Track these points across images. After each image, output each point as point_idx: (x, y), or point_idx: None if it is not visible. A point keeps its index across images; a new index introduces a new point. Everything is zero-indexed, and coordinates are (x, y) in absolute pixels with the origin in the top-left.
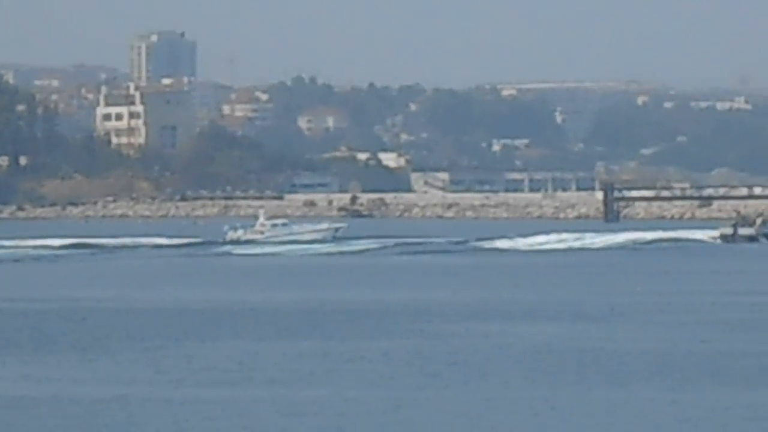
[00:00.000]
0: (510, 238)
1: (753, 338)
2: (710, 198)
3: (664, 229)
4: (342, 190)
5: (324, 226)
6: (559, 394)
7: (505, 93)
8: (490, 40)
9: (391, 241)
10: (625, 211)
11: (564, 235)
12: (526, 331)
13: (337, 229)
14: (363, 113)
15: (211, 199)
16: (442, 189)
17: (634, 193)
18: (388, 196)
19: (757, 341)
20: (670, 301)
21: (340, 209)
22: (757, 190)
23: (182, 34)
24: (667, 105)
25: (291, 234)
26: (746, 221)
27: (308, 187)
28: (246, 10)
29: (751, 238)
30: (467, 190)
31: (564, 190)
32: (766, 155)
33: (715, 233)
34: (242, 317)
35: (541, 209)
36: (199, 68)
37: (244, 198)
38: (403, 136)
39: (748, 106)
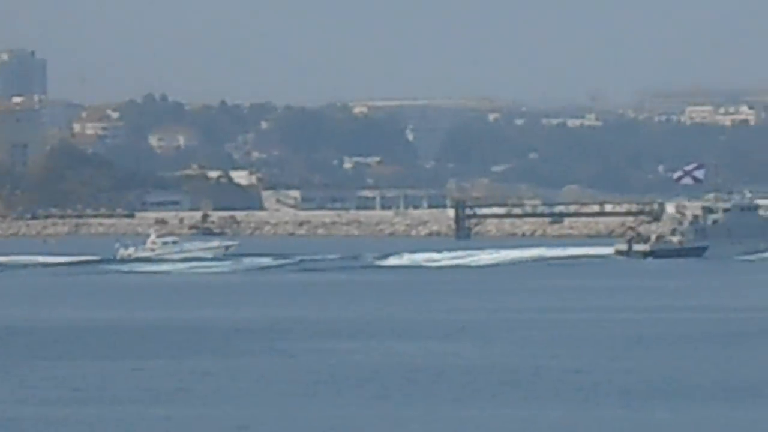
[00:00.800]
0: (402, 254)
1: (607, 354)
2: (561, 215)
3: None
4: (193, 208)
5: (215, 243)
6: (406, 410)
7: (356, 110)
8: (341, 57)
9: (286, 259)
10: (476, 229)
11: (460, 252)
12: (379, 348)
13: (227, 247)
14: (214, 131)
15: (62, 217)
16: (294, 207)
17: (486, 210)
18: (240, 214)
19: (610, 357)
20: (533, 318)
21: (192, 227)
22: (608, 207)
23: (32, 53)
24: (519, 122)
25: (182, 252)
26: (641, 238)
27: (160, 205)
28: (96, 29)
29: (646, 254)
30: (319, 208)
31: (416, 207)
32: (617, 172)
33: (611, 250)
34: (102, 335)
35: (392, 227)
36: (50, 86)
37: (95, 216)
38: (255, 154)
39: (599, 123)
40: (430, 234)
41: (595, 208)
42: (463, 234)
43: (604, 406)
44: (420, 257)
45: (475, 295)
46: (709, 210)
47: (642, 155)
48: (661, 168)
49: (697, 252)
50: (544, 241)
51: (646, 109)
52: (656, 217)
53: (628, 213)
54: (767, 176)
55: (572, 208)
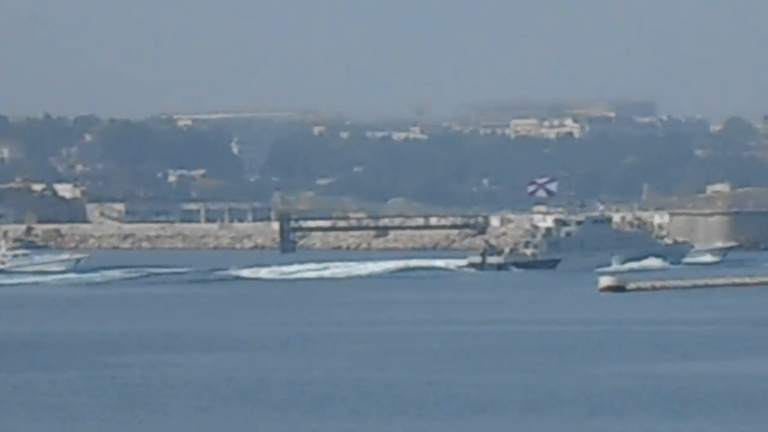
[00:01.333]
0: (261, 266)
1: (426, 367)
2: (386, 228)
3: (393, 258)
4: (17, 221)
5: (65, 256)
6: (223, 423)
7: (180, 123)
8: (165, 70)
9: (143, 271)
10: (301, 242)
11: (325, 264)
12: (201, 361)
13: (78, 260)
14: (38, 144)
15: None
16: (118, 220)
17: (311, 223)
18: (64, 227)
19: (434, 370)
20: (363, 331)
21: (16, 240)
22: (433, 221)
23: None
24: (343, 135)
25: (32, 264)
26: (494, 250)
27: None
28: None
29: (500, 267)
30: (143, 221)
31: (240, 220)
32: (442, 185)
33: (464, 262)
34: None
35: (217, 240)
36: None
37: None
38: (79, 167)
39: (424, 137)
40: (254, 247)
41: (420, 221)
42: (287, 247)
43: (424, 418)
44: (286, 269)
45: (312, 308)
46: (562, 223)
47: (467, 168)
48: (485, 181)
49: (550, 264)
50: (393, 254)
51: (471, 122)
52: (481, 230)
53: (453, 226)
54: (591, 188)
55: (397, 221)
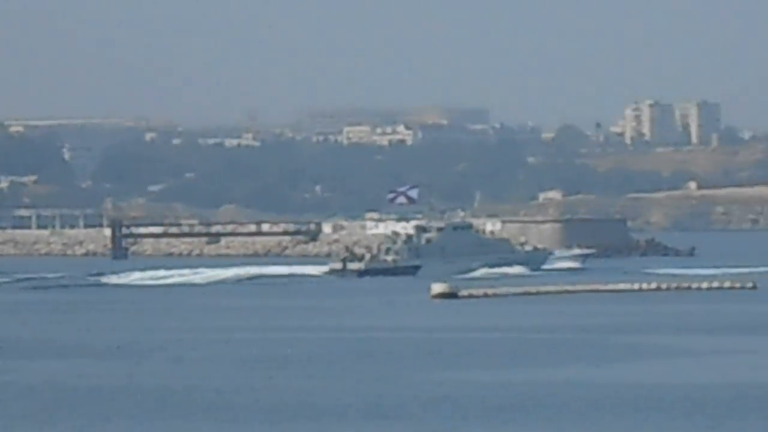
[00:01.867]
0: (127, 273)
1: (259, 374)
2: (218, 234)
3: (242, 264)
4: None
5: None
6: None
7: (12, 129)
8: None
9: (5, 277)
10: (133, 248)
11: (185, 271)
12: (28, 367)
13: None
14: None
15: None
16: None
17: (142, 230)
18: None
19: (267, 377)
20: (196, 338)
21: None
22: (266, 227)
23: None
24: (176, 142)
25: None
26: (355, 256)
27: None
28: None
29: (361, 273)
30: None
31: (72, 227)
32: (274, 191)
33: (325, 268)
34: None
35: (49, 246)
36: None
37: None
38: None
39: (256, 143)
40: (86, 254)
41: (252, 228)
42: (119, 254)
43: (249, 424)
44: (156, 274)
45: (157, 314)
46: (422, 229)
47: (299, 175)
48: (318, 188)
49: (411, 271)
50: (254, 260)
51: (303, 128)
52: (313, 236)
53: (285, 233)
54: (423, 195)
55: (229, 228)
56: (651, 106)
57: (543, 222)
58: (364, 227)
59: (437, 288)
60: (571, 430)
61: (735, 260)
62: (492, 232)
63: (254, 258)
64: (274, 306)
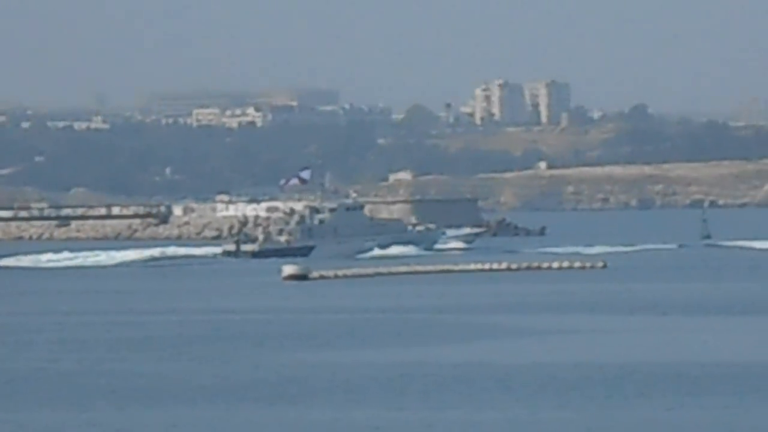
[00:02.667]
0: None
1: (105, 357)
2: (68, 218)
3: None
4: None
5: None
6: None
7: None
8: None
9: None
10: None
11: (85, 253)
12: None
13: None
14: None
15: None
16: None
17: None
18: None
19: (116, 359)
20: (63, 321)
21: None
22: (116, 210)
23: None
24: (25, 125)
25: None
26: (249, 237)
27: None
28: None
29: (255, 254)
30: None
31: None
32: (124, 175)
33: (219, 250)
34: None
35: None
36: None
37: None
38: None
39: (106, 126)
40: None
41: (102, 211)
42: None
43: (89, 407)
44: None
45: (31, 296)
46: (315, 210)
47: (149, 158)
48: (168, 170)
49: (304, 251)
50: (155, 242)
51: (153, 111)
52: (163, 219)
53: (135, 215)
54: (273, 176)
55: (79, 211)
56: (500, 86)
57: (393, 202)
58: (214, 209)
59: (288, 270)
60: (418, 409)
61: (585, 240)
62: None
63: (105, 241)
64: (138, 289)
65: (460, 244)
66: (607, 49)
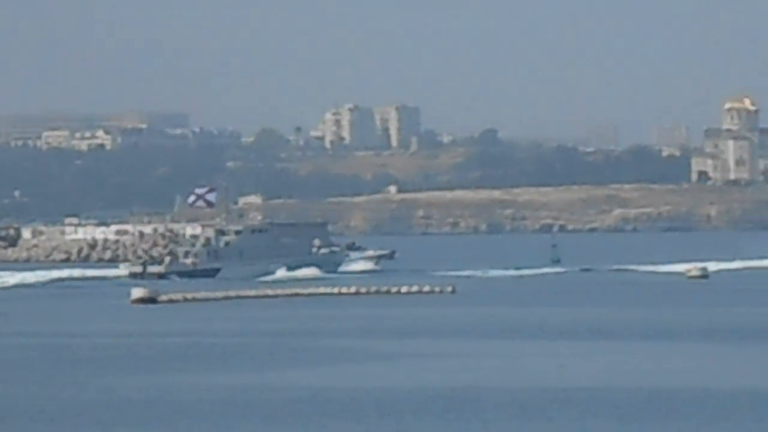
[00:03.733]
0: None
1: None
2: None
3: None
4: None
5: None
6: None
7: None
8: None
9: None
10: None
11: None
12: None
13: None
14: None
15: None
16: None
17: None
18: None
19: None
20: None
21: None
22: None
23: None
24: None
25: None
26: (155, 259)
27: None
28: None
29: (161, 276)
30: None
31: None
32: None
33: (125, 271)
34: None
35: None
36: None
37: None
38: None
39: None
40: None
41: None
42: None
43: None
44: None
45: None
46: (221, 232)
47: None
48: (17, 193)
49: (211, 273)
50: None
51: (2, 133)
52: (12, 242)
53: None
54: (123, 200)
55: None
56: (350, 110)
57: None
58: (63, 232)
59: (136, 293)
60: None
61: (435, 264)
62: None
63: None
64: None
65: (365, 266)
66: (457, 73)
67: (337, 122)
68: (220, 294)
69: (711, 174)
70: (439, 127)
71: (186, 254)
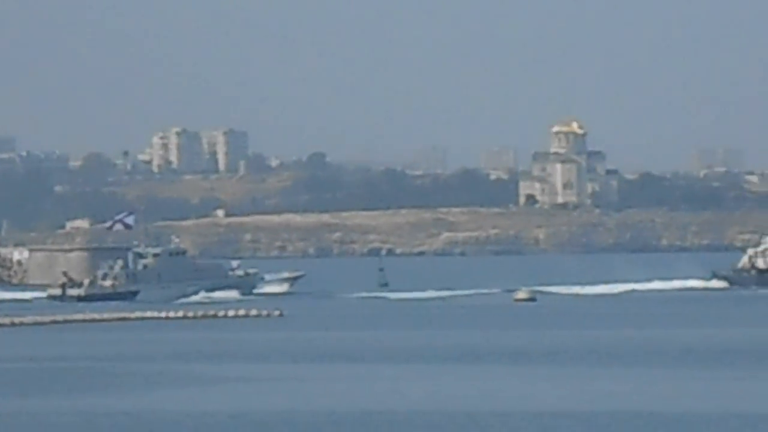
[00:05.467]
0: None
1: None
2: None
3: None
4: None
5: None
6: None
7: None
8: None
9: None
10: None
11: None
12: None
13: None
14: None
15: None
16: None
17: None
18: None
19: None
20: None
21: None
22: None
23: None
24: None
25: None
26: (74, 282)
27: None
28: None
29: (81, 298)
30: None
31: None
32: None
33: (43, 294)
34: None
35: None
36: None
37: None
38: None
39: None
40: None
41: None
42: None
43: None
44: None
45: None
46: (139, 255)
47: None
48: None
49: (129, 296)
50: None
51: None
52: None
53: None
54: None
55: None
56: (178, 134)
57: (70, 250)
58: None
59: None
60: None
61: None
62: (20, 261)
63: None
64: None
65: (280, 288)
66: (284, 97)
67: (165, 146)
68: (47, 318)
69: (539, 197)
70: (267, 151)
71: (104, 277)
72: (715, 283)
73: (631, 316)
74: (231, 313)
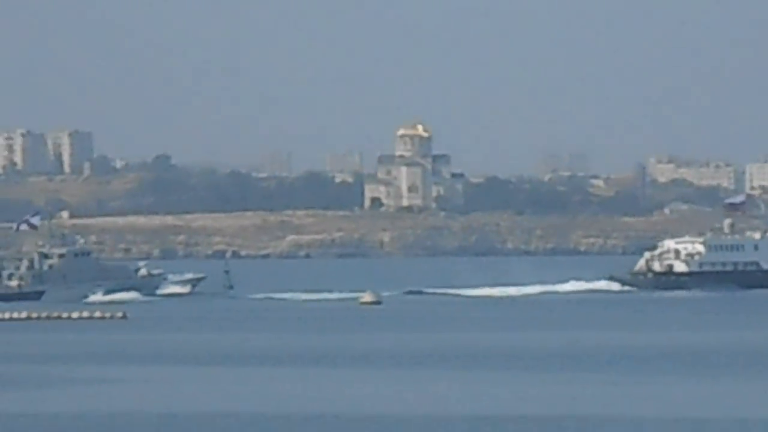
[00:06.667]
0: None
1: None
2: None
3: None
4: None
5: None
6: None
7: None
8: None
9: None
10: None
11: None
12: None
13: None
14: None
15: None
16: None
17: None
18: None
19: None
20: None
21: None
22: None
23: None
24: None
25: None
26: None
27: None
28: None
29: None
30: None
31: None
32: None
33: None
34: None
35: None
36: None
37: None
38: None
39: None
40: None
41: None
42: None
43: None
44: None
45: None
46: (44, 255)
47: None
48: None
49: (35, 296)
50: None
51: None
52: None
53: None
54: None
55: None
56: (23, 135)
57: None
58: None
59: None
60: None
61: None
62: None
63: None
64: None
65: (181, 289)
66: (130, 98)
67: (10, 147)
68: None
69: (384, 200)
70: (112, 153)
71: (10, 277)
72: (612, 286)
73: (482, 319)
74: (75, 314)
